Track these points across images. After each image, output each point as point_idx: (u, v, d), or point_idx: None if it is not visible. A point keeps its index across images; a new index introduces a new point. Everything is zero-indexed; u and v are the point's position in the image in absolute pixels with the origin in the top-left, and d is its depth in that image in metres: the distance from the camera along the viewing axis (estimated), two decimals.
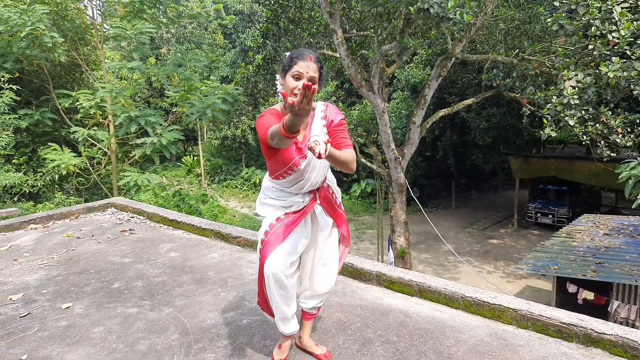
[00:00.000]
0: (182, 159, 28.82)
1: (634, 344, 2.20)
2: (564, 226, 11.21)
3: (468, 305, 2.72)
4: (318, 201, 2.22)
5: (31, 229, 4.83)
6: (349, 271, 3.26)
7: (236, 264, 3.69)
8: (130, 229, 4.72)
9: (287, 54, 2.10)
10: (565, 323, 2.39)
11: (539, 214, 17.07)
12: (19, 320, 2.84)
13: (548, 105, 6.97)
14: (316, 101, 2.23)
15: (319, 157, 1.69)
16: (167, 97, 10.38)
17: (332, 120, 2.18)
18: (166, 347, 2.49)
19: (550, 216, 16.70)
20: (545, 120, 7.15)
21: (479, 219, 18.81)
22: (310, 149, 1.71)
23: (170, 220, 4.78)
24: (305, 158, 2.07)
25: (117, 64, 8.73)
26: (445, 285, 2.87)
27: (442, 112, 11.10)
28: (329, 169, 2.33)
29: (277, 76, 2.13)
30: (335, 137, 2.16)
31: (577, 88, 6.67)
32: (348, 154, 2.05)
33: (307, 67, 1.99)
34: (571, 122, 6.71)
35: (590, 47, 6.67)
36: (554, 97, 7.17)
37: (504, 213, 19.38)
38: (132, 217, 5.16)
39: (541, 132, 7.73)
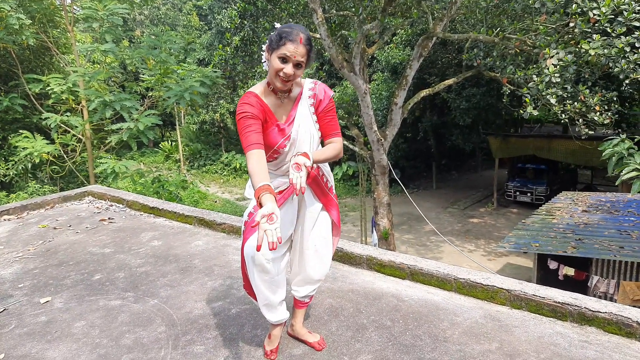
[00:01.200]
0: (160, 145, 28.29)
1: (627, 321, 2.19)
2: (542, 204, 11.41)
3: (461, 286, 2.69)
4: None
5: (4, 220, 4.63)
6: (339, 255, 3.20)
7: (222, 251, 3.59)
8: (109, 218, 4.56)
9: (277, 26, 1.97)
10: (559, 302, 2.38)
11: (517, 193, 17.34)
12: None
13: (529, 84, 6.98)
14: (304, 78, 2.13)
15: (299, 192, 1.77)
16: (143, 82, 10.05)
17: (321, 101, 2.08)
18: (153, 340, 2.39)
19: (528, 194, 16.99)
20: (527, 99, 7.16)
21: (460, 199, 19.04)
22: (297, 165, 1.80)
23: (151, 208, 4.63)
24: (289, 139, 1.99)
25: (89, 47, 8.38)
26: (437, 267, 2.83)
27: (424, 93, 11.06)
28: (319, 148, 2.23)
29: (263, 47, 1.99)
30: (325, 125, 2.08)
31: (558, 66, 6.68)
32: (332, 150, 2.04)
33: (296, 50, 1.85)
34: (552, 101, 6.74)
35: (572, 24, 6.67)
36: (534, 76, 7.18)
37: (484, 192, 19.64)
38: (111, 206, 4.99)
39: (521, 111, 7.77)
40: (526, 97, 7.37)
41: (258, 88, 2.01)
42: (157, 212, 4.59)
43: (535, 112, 7.03)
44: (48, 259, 3.58)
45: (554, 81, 6.62)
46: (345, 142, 11.66)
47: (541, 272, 8.76)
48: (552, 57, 6.66)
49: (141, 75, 10.42)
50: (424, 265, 2.86)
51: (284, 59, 1.86)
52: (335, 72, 21.24)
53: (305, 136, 2.03)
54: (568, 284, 8.54)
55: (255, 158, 1.81)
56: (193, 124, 26.82)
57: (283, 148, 1.99)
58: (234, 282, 3.02)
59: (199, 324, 2.53)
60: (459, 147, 19.81)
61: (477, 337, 2.27)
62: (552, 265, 8.04)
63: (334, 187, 2.27)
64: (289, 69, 1.86)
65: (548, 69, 6.63)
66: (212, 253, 3.56)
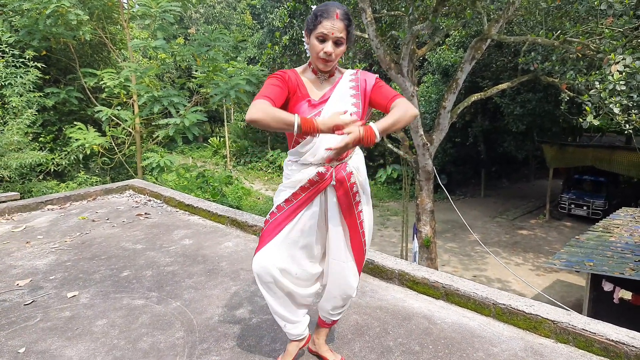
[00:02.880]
0: (209, 140, 28.94)
1: None
2: (599, 219, 10.67)
3: (500, 313, 2.45)
4: (333, 181, 1.91)
5: (48, 209, 4.77)
6: (369, 268, 3.03)
7: (251, 254, 3.49)
8: (145, 213, 4.60)
9: (314, 7, 1.85)
10: (612, 340, 2.10)
11: (572, 205, 16.37)
12: (22, 309, 2.73)
13: (591, 91, 6.48)
14: (344, 67, 2.01)
15: (359, 142, 1.65)
16: (195, 78, 10.23)
17: (366, 81, 1.95)
18: (169, 345, 2.32)
19: (584, 208, 15.99)
20: (587, 108, 6.67)
21: (509, 209, 18.22)
22: (338, 127, 1.65)
23: (187, 205, 4.63)
24: (319, 115, 1.85)
25: (140, 43, 8.60)
26: (475, 289, 2.60)
27: (475, 97, 10.61)
28: (356, 151, 2.03)
29: (303, 33, 1.92)
30: (381, 95, 1.91)
31: (624, 73, 6.16)
32: (399, 110, 1.79)
33: (333, 27, 1.76)
34: (616, 110, 6.22)
35: None
36: (597, 83, 6.67)
37: (535, 203, 18.70)
38: (149, 201, 5.04)
39: (581, 119, 7.25)
40: (587, 105, 6.87)
41: (299, 67, 1.98)
42: (192, 209, 4.58)
43: (596, 122, 6.53)
44: (82, 252, 3.62)
45: (619, 89, 6.11)
46: (390, 145, 11.40)
47: (594, 293, 8.17)
48: (618, 63, 6.15)
49: (193, 72, 10.62)
50: (461, 286, 2.64)
51: (323, 38, 1.79)
52: (384, 73, 20.95)
53: None
54: (624, 309, 7.92)
55: (266, 103, 1.72)
56: (241, 120, 27.24)
57: None
58: (259, 289, 2.90)
59: (218, 332, 2.43)
60: (510, 154, 18.95)
61: None
62: (607, 287, 7.46)
63: (365, 204, 2.02)
64: (328, 47, 1.79)
65: (613, 75, 6.12)
66: (240, 256, 3.48)
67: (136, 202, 5.03)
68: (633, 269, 6.82)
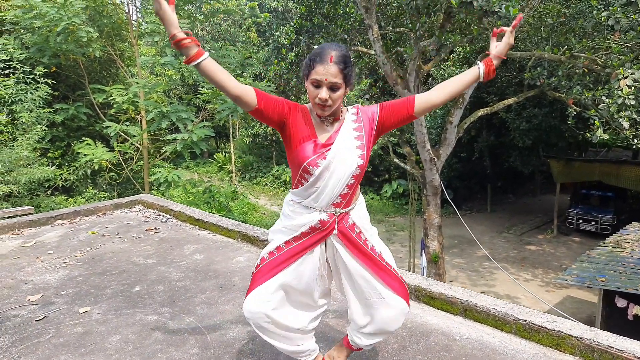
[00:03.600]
0: (214, 156, 29.03)
1: None
2: (608, 234, 10.55)
3: (521, 329, 2.40)
4: (335, 231, 1.86)
5: (58, 224, 4.76)
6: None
7: None
8: (155, 228, 4.58)
9: (315, 47, 1.82)
10: None
11: (580, 220, 16.23)
12: (34, 325, 2.69)
13: (600, 106, 6.46)
14: (346, 107, 1.95)
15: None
16: (201, 94, 10.32)
17: (369, 118, 1.89)
18: None
19: (593, 223, 15.85)
20: (596, 122, 6.64)
21: (516, 224, 18.08)
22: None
23: (197, 220, 4.61)
24: (324, 158, 1.78)
25: (149, 59, 8.70)
26: (495, 304, 2.56)
27: (481, 112, 10.62)
28: (359, 199, 1.98)
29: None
30: (395, 109, 1.86)
31: (633, 87, 6.15)
32: (449, 85, 1.87)
33: (326, 72, 1.68)
34: (625, 125, 6.19)
35: None
36: (604, 97, 6.65)
37: (543, 218, 18.56)
38: (159, 215, 5.02)
39: (588, 134, 7.22)
40: (594, 119, 6.85)
41: (309, 104, 1.89)
42: (202, 224, 4.56)
43: (606, 136, 6.50)
44: (93, 267, 3.59)
45: (628, 103, 6.09)
46: (396, 160, 11.39)
47: (607, 309, 8.04)
48: (627, 77, 6.15)
49: (200, 89, 10.70)
50: (479, 302, 2.59)
51: (317, 84, 1.71)
52: (389, 89, 21.00)
53: (342, 161, 1.80)
54: (639, 325, 7.77)
55: (239, 83, 1.71)
56: (247, 136, 27.35)
57: (314, 167, 1.77)
58: None
59: (233, 348, 2.39)
60: (516, 170, 18.89)
61: None
62: (621, 303, 7.34)
63: (371, 236, 1.95)
64: (323, 93, 1.70)
65: (621, 90, 6.11)
66: (252, 271, 3.44)
67: (146, 216, 5.02)
68: None
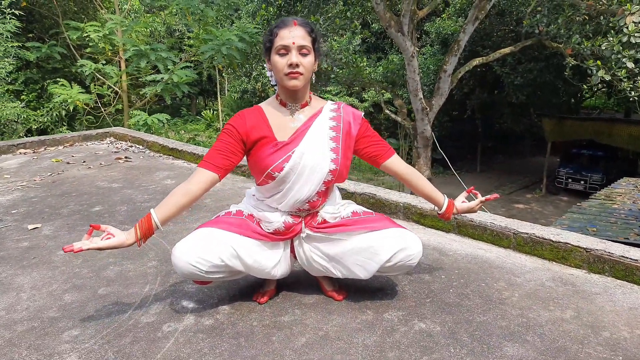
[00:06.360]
0: (202, 113, 28.38)
1: None
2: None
3: (522, 242, 2.14)
4: (303, 234, 1.66)
5: (20, 153, 4.38)
6: (371, 202, 2.70)
7: (238, 193, 3.17)
8: (125, 157, 4.23)
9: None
10: None
11: (569, 180, 16.15)
12: None
13: (603, 45, 6.13)
14: (325, 99, 1.69)
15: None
16: (188, 46, 9.76)
17: (350, 124, 1.62)
18: (139, 274, 2.00)
19: (582, 182, 15.78)
20: (598, 62, 6.32)
21: (505, 184, 17.99)
22: None
23: (171, 149, 4.26)
24: (289, 161, 1.52)
25: None
26: (493, 219, 2.29)
27: (476, 62, 10.25)
28: (335, 192, 1.75)
29: (265, 66, 1.59)
30: (374, 147, 1.68)
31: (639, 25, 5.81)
32: (424, 180, 1.82)
33: (292, 35, 1.45)
34: (629, 65, 5.88)
35: None
36: (603, 47, 6.29)
37: (531, 178, 18.49)
38: (131, 147, 4.66)
39: (585, 86, 6.93)
40: (592, 70, 6.53)
41: (265, 102, 1.63)
42: (176, 153, 4.22)
43: (607, 77, 6.19)
44: (51, 190, 3.26)
45: (633, 42, 5.77)
46: (388, 112, 11.03)
47: None
48: (634, 13, 5.79)
49: (186, 39, 10.17)
50: (475, 216, 2.32)
51: (284, 51, 1.46)
52: (381, 46, 20.40)
53: (311, 164, 1.54)
54: None
55: (192, 180, 1.54)
56: (235, 92, 26.70)
57: (278, 172, 1.52)
58: None
59: None
60: (506, 131, 18.65)
61: (544, 302, 1.73)
62: None
63: (345, 207, 1.74)
64: (293, 57, 1.45)
65: (628, 27, 5.77)
66: (227, 194, 3.14)
67: (117, 147, 4.65)
68: (638, 234, 6.59)
